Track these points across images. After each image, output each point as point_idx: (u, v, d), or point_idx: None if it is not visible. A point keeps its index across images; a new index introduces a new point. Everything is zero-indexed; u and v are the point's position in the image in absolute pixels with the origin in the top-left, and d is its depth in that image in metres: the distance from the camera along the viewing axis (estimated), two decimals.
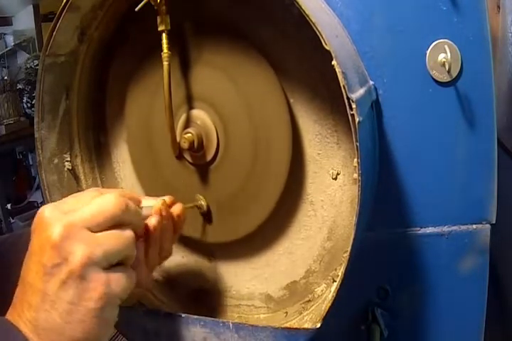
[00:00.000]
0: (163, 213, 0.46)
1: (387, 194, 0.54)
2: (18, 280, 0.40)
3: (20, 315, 0.37)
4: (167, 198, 0.48)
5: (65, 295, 0.37)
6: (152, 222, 0.45)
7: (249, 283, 0.57)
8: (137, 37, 0.57)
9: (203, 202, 0.55)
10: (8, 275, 0.47)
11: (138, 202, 0.46)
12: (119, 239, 0.40)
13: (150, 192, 0.60)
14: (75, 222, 0.38)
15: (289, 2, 0.42)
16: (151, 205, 0.46)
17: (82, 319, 0.37)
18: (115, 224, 0.40)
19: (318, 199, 0.51)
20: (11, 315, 0.38)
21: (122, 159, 0.63)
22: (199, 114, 0.53)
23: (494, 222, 0.53)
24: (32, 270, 0.38)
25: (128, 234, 0.40)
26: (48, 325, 0.37)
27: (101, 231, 0.39)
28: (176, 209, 0.49)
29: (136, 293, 0.55)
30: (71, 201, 0.41)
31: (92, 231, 0.38)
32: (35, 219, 0.39)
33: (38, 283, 0.37)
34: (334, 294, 0.42)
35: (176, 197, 0.56)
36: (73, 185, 0.61)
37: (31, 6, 3.15)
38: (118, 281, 0.39)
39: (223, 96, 0.51)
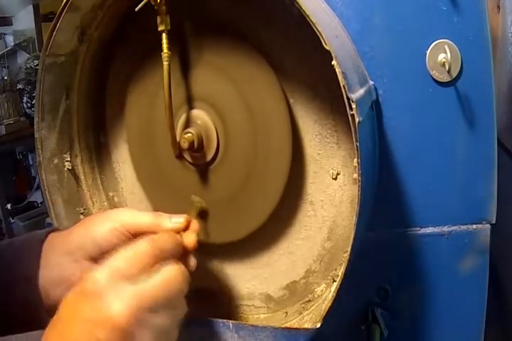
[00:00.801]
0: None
1: (387, 194, 0.54)
2: None
3: None
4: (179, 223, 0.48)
5: None
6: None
7: (249, 283, 0.57)
8: (137, 37, 0.57)
9: (201, 203, 0.54)
10: None
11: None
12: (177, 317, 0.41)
13: (150, 192, 0.60)
14: (141, 304, 0.37)
15: (289, 2, 0.42)
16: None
17: None
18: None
19: (318, 199, 0.51)
20: None
21: (122, 159, 0.63)
22: (199, 114, 0.53)
23: (494, 222, 0.53)
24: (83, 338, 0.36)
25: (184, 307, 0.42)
26: None
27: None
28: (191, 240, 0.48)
29: None
30: (123, 262, 0.39)
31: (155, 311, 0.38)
32: (88, 283, 0.37)
33: None
34: (334, 294, 0.42)
35: (176, 197, 0.56)
36: (73, 185, 0.61)
37: (31, 6, 3.15)
38: None
39: (223, 96, 0.51)
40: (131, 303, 0.37)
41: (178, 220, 0.48)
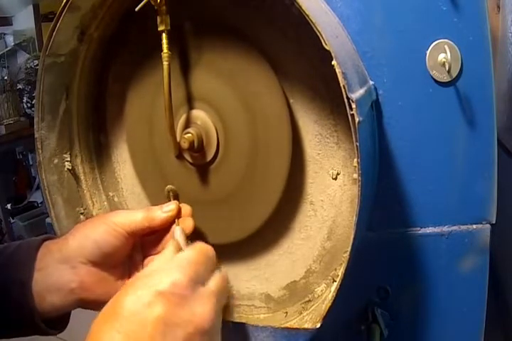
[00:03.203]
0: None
1: (387, 194, 0.54)
2: None
3: None
4: (170, 211, 0.50)
5: None
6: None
7: (249, 283, 0.57)
8: (137, 37, 0.57)
9: (172, 190, 0.55)
10: None
11: None
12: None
13: (150, 192, 0.60)
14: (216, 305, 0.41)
15: (289, 2, 0.42)
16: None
17: None
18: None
19: (318, 199, 0.51)
20: None
21: (122, 159, 0.63)
22: (199, 114, 0.53)
23: (494, 221, 0.53)
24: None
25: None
26: None
27: None
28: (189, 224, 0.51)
29: None
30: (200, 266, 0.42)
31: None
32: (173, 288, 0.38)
33: None
34: (334, 294, 0.42)
35: None
36: (73, 185, 0.61)
37: (31, 6, 3.15)
38: None
39: (223, 96, 0.51)
40: (210, 307, 0.40)
41: (169, 208, 0.50)
